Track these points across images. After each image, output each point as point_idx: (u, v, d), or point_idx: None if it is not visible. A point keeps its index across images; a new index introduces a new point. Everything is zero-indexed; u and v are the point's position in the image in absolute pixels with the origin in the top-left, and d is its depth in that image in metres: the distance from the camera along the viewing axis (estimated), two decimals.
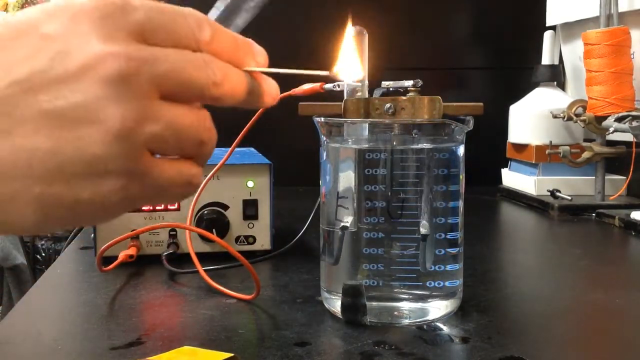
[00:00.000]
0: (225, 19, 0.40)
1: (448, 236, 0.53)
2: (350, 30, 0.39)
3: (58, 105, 0.29)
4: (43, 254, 1.63)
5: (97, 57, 0.29)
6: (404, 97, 0.54)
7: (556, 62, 1.16)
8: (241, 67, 0.35)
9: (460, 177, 0.54)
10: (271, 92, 0.36)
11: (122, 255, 0.68)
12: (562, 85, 1.21)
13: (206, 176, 0.70)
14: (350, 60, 0.39)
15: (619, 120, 0.91)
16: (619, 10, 0.99)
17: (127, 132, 0.29)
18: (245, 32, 1.25)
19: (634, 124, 0.89)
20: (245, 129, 0.60)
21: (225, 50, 0.34)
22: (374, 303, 0.52)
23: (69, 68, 0.29)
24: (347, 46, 0.39)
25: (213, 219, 0.73)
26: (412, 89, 0.56)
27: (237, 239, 0.74)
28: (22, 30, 0.30)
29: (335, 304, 0.54)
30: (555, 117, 1.06)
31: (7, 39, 0.30)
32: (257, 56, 0.36)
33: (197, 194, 0.70)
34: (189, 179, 0.33)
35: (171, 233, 0.72)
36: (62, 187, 0.29)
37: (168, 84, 0.31)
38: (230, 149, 0.65)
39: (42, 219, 0.30)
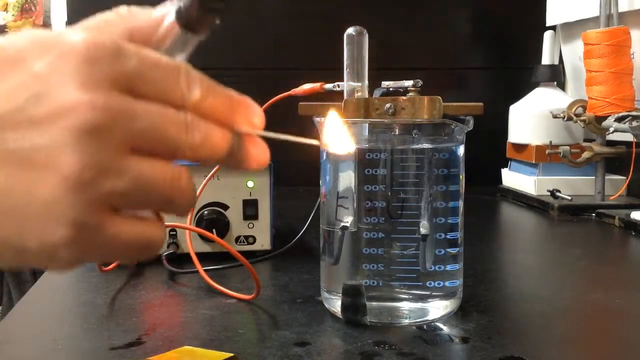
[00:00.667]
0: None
1: (448, 236, 0.53)
2: (333, 114, 0.38)
3: (22, 146, 0.28)
4: None
5: (71, 104, 0.28)
6: (404, 97, 0.54)
7: (556, 62, 1.16)
8: (231, 127, 0.33)
9: (460, 177, 0.54)
10: (259, 156, 0.34)
11: None
12: (562, 85, 1.21)
13: (206, 176, 0.70)
14: (339, 133, 0.38)
15: (619, 120, 0.91)
16: (619, 10, 0.99)
17: (83, 183, 0.28)
18: (242, 28, 1.25)
19: (634, 124, 0.89)
20: None
21: (216, 110, 0.32)
22: (374, 303, 0.52)
23: (42, 111, 0.28)
24: (335, 118, 0.38)
25: (213, 219, 0.73)
26: (412, 89, 0.56)
27: (237, 239, 0.74)
28: (11, 60, 0.29)
29: (335, 304, 0.54)
30: (555, 117, 1.06)
31: None
32: (251, 117, 0.33)
33: (197, 195, 0.70)
34: (147, 243, 0.31)
35: (171, 233, 0.72)
36: (10, 230, 0.29)
37: (142, 140, 0.30)
38: None
39: None
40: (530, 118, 1.14)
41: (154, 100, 0.30)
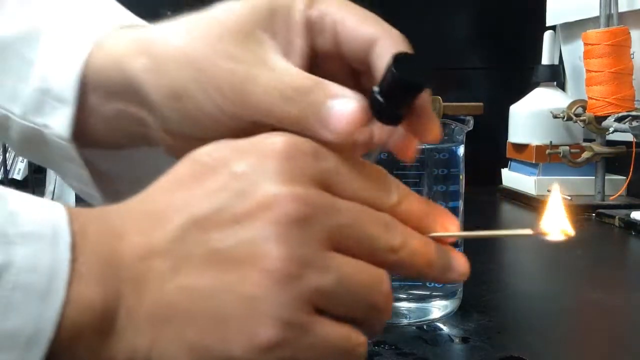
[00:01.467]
0: None
1: None
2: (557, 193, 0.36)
3: (226, 244, 0.27)
4: None
5: (274, 197, 0.28)
6: None
7: (556, 62, 1.16)
8: (428, 234, 0.32)
9: (460, 177, 0.54)
10: (460, 268, 0.33)
11: None
12: (562, 85, 1.21)
13: None
14: (558, 216, 0.36)
15: (619, 120, 0.91)
16: (619, 10, 0.99)
17: (289, 277, 0.27)
18: None
19: (634, 124, 0.89)
20: None
21: (413, 215, 0.31)
22: None
23: (245, 207, 0.28)
24: (555, 202, 0.36)
25: None
26: None
27: None
28: (212, 168, 0.29)
29: None
30: (555, 117, 1.06)
31: (196, 175, 0.29)
32: (448, 224, 0.32)
33: None
34: (352, 348, 0.30)
35: None
36: (214, 336, 0.27)
37: (343, 236, 0.29)
38: None
39: None
40: (530, 118, 1.14)
41: (351, 200, 0.30)
